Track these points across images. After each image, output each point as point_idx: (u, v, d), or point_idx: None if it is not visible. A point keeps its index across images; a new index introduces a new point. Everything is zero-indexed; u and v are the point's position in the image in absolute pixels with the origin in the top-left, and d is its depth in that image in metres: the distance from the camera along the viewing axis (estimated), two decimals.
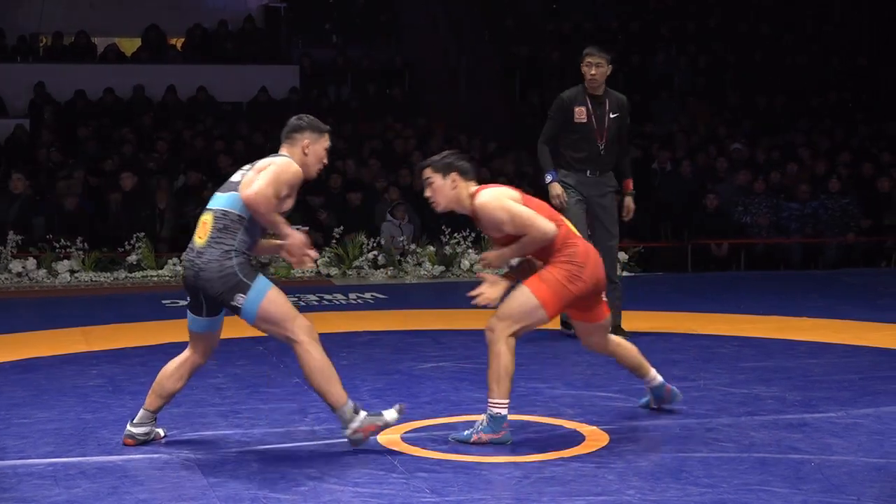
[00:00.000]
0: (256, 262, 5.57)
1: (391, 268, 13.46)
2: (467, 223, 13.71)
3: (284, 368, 7.54)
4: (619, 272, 9.36)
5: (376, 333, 9.18)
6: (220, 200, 5.40)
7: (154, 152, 15.92)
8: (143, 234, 13.27)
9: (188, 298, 5.56)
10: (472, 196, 5.62)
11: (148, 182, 14.78)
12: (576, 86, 8.72)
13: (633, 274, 13.62)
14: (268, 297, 5.32)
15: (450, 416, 6.21)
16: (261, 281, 5.34)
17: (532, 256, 5.69)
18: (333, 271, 13.26)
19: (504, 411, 5.48)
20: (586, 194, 8.64)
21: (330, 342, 8.62)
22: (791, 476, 4.98)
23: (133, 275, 13.01)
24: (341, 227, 13.52)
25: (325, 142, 5.51)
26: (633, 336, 8.75)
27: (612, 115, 8.64)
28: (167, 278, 12.95)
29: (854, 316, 9.83)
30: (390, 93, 19.15)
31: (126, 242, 13.16)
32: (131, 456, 5.41)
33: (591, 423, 5.97)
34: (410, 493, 4.82)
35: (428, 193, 5.66)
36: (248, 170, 5.40)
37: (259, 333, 8.66)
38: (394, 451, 5.48)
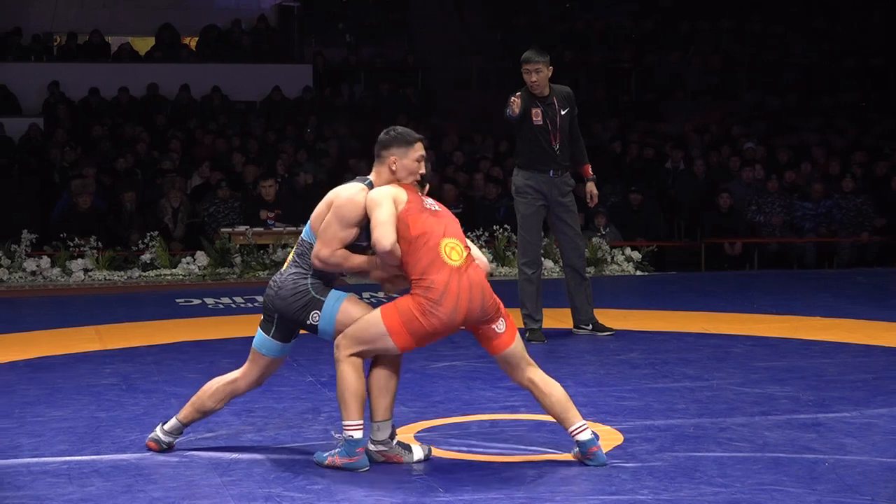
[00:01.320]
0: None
1: None
2: (480, 222, 13.72)
3: (298, 367, 7.53)
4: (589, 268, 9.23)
5: None
6: (305, 230, 5.41)
7: (168, 151, 15.96)
8: (156, 232, 13.31)
9: (263, 316, 5.41)
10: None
11: (161, 181, 14.85)
12: (523, 88, 8.67)
13: (646, 273, 13.61)
14: (343, 310, 5.22)
15: (462, 415, 6.21)
16: (333, 295, 5.26)
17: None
18: None
19: (357, 433, 5.13)
20: (548, 195, 8.65)
21: None
22: (805, 476, 4.96)
23: (147, 274, 13.03)
24: None
25: (414, 152, 5.32)
26: (647, 335, 8.80)
27: (563, 113, 8.65)
28: (181, 277, 12.97)
29: (868, 315, 9.80)
30: (403, 92, 19.17)
31: (140, 241, 13.21)
32: (145, 454, 5.42)
33: (604, 422, 5.94)
34: (424, 492, 4.82)
35: None
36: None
37: None
38: None
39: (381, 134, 5.40)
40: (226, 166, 15.46)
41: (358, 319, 5.19)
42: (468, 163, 16.25)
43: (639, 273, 13.59)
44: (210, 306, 10.91)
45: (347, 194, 5.24)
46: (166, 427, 5.48)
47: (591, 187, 8.90)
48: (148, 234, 13.25)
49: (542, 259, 9.59)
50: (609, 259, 13.65)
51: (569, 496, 4.73)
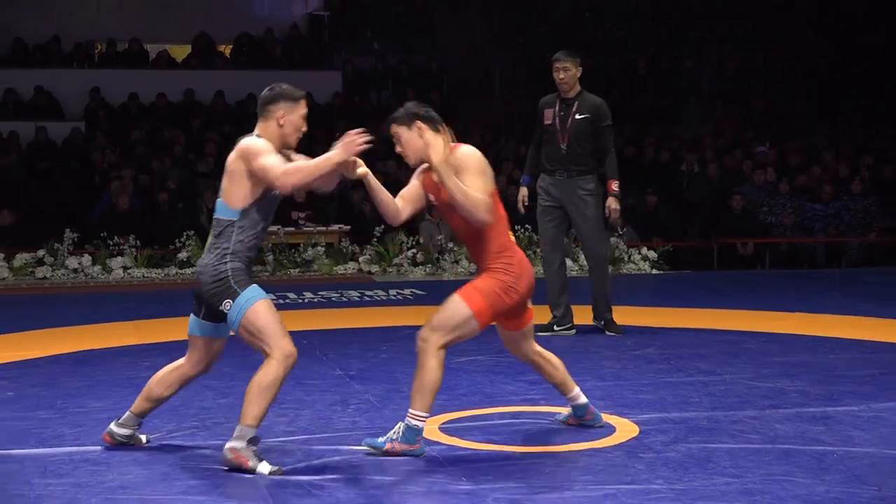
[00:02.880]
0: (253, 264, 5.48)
1: (429, 265, 13.67)
2: None
3: (327, 361, 7.68)
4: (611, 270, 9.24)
5: (415, 328, 9.21)
6: (216, 209, 5.28)
7: (203, 154, 16.21)
8: (192, 232, 13.60)
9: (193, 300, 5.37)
10: (453, 148, 5.58)
11: (196, 182, 15.13)
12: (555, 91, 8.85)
13: (661, 272, 13.74)
14: (254, 308, 5.09)
15: (485, 407, 6.31)
16: (252, 290, 5.12)
17: (470, 254, 5.53)
18: (374, 268, 13.52)
19: (422, 424, 5.24)
20: (558, 196, 8.69)
21: (370, 336, 8.84)
22: (814, 467, 5.03)
23: (183, 271, 13.29)
24: (381, 227, 13.77)
25: (301, 109, 5.20)
26: (662, 332, 8.88)
27: (577, 117, 8.62)
28: None
29: (876, 313, 9.88)
30: (428, 97, 19.36)
31: (177, 240, 13.49)
32: (182, 443, 5.54)
33: (621, 414, 6.01)
34: (448, 482, 4.90)
35: (398, 150, 5.48)
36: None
37: (303, 326, 8.90)
38: (432, 440, 5.53)
39: (265, 91, 5.23)
40: None
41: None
42: (491, 165, 16.40)
43: (654, 272, 13.73)
44: None
45: (253, 140, 5.11)
46: (121, 420, 5.50)
47: (610, 202, 8.75)
48: (184, 233, 13.55)
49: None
50: (626, 258, 13.83)
51: (587, 485, 4.80)
